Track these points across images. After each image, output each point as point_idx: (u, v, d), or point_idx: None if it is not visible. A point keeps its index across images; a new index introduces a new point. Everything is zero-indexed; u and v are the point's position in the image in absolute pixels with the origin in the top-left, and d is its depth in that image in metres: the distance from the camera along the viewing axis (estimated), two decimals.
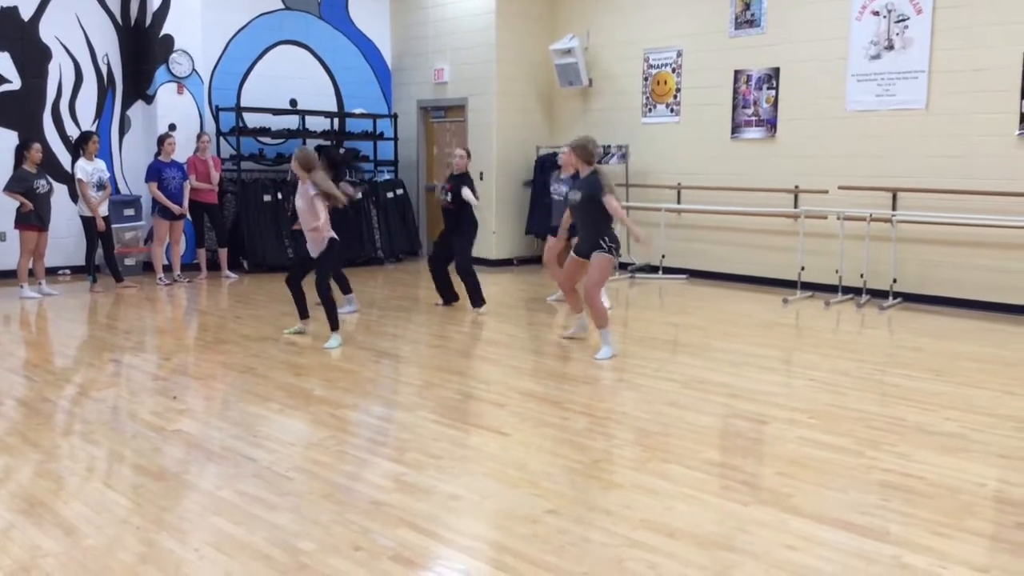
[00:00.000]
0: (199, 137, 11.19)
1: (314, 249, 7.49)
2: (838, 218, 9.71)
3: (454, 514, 3.93)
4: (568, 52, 12.24)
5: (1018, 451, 4.81)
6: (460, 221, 9.15)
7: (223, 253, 11.35)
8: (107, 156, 11.22)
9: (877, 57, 9.77)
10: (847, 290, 9.82)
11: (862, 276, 9.65)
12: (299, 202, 7.42)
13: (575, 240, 7.78)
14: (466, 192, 8.98)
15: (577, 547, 3.56)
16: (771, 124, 10.69)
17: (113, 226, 10.52)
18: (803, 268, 10.01)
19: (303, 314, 7.87)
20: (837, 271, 9.83)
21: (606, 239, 7.09)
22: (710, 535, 3.68)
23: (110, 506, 3.96)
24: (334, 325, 7.45)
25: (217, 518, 3.82)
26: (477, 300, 9.11)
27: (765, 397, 5.88)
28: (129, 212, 11.27)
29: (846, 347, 7.56)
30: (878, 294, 9.63)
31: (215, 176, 11.15)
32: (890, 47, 9.67)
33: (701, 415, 5.51)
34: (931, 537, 3.68)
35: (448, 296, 9.47)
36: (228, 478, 4.32)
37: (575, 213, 7.32)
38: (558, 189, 9.37)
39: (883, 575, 3.33)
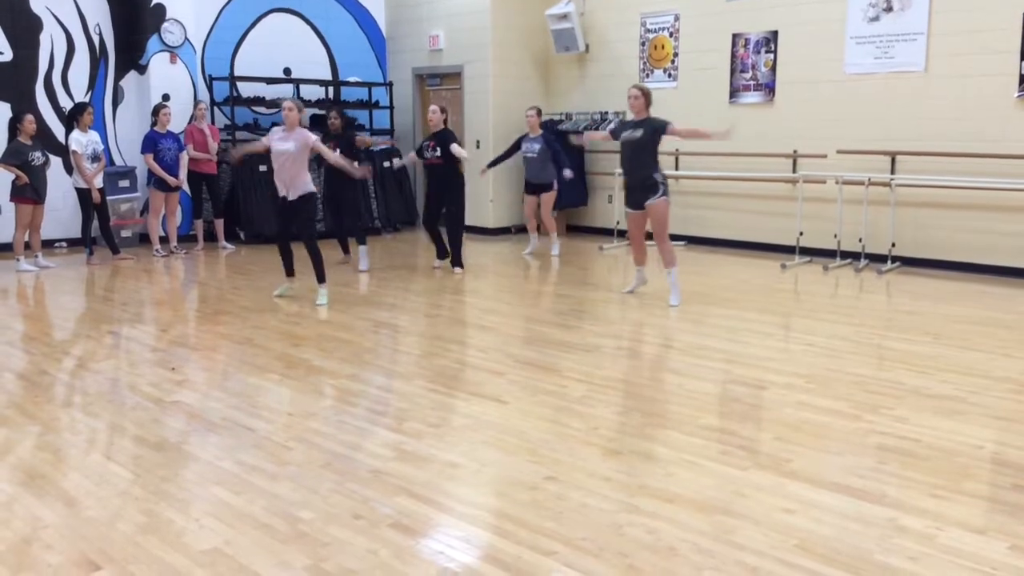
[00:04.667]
0: (195, 106, 11.11)
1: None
2: (836, 182, 9.68)
3: (453, 482, 3.94)
4: (564, 17, 12.14)
5: (1015, 413, 4.83)
6: (449, 179, 9.42)
7: (219, 224, 11.32)
8: (100, 127, 11.14)
9: (876, 19, 9.69)
10: (845, 255, 9.81)
11: (860, 240, 9.63)
12: (288, 146, 7.65)
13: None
14: (455, 147, 9.18)
15: (576, 513, 3.58)
16: (769, 88, 10.62)
17: (108, 198, 10.47)
18: (801, 233, 9.99)
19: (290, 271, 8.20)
20: (836, 236, 9.81)
21: (662, 178, 7.62)
22: (709, 500, 3.70)
23: (110, 477, 3.97)
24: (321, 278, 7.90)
25: (217, 488, 3.84)
26: (458, 259, 9.58)
27: (763, 362, 5.89)
28: (124, 184, 11.22)
29: (844, 312, 7.57)
30: (876, 258, 9.62)
31: (213, 146, 11.08)
32: (889, 9, 9.58)
33: (699, 381, 5.52)
34: (928, 499, 3.70)
35: (445, 253, 9.74)
36: (228, 448, 4.33)
37: (631, 155, 7.61)
38: (530, 147, 10.24)
39: (880, 537, 3.35)
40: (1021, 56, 8.72)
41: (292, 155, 7.54)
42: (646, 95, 7.61)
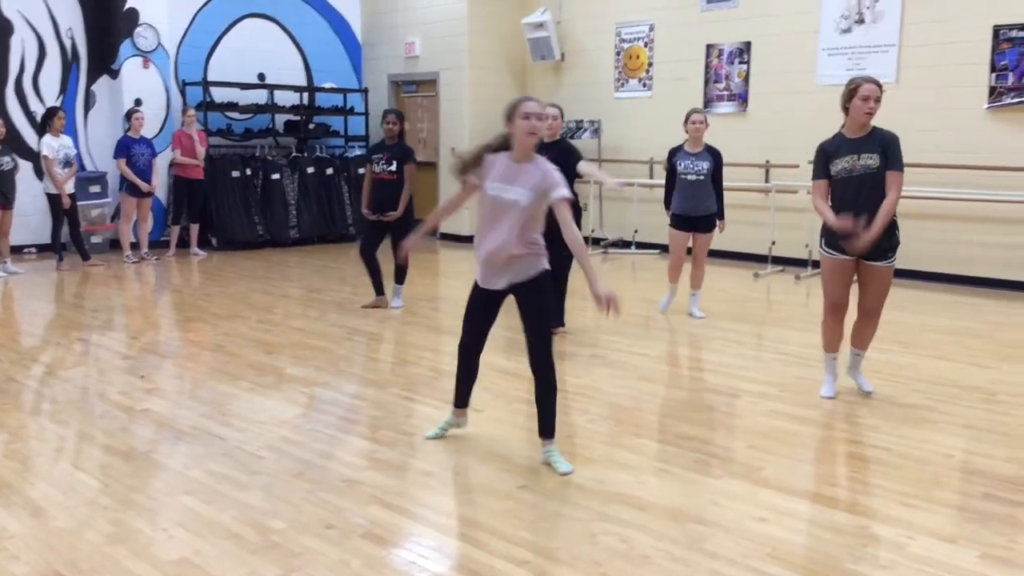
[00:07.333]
0: (184, 111, 11.08)
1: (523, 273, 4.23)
2: (808, 192, 9.72)
3: (426, 491, 3.92)
4: (540, 26, 12.17)
5: (984, 422, 4.87)
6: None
7: (194, 230, 11.23)
8: (72, 132, 11.01)
9: (848, 31, 9.79)
10: (817, 264, 9.87)
11: None
12: (515, 194, 4.07)
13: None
14: (585, 166, 5.97)
15: (549, 522, 3.57)
16: (742, 98, 10.70)
17: (79, 203, 10.36)
18: (774, 242, 10.05)
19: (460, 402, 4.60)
20: (807, 245, 9.88)
21: (898, 229, 5.04)
22: (682, 508, 3.70)
23: (78, 486, 3.92)
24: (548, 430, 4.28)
25: (186, 497, 3.79)
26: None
27: (736, 371, 5.92)
28: (95, 189, 11.10)
29: (816, 321, 7.60)
30: None
31: (200, 151, 11.02)
32: (861, 20, 9.68)
33: (673, 389, 5.53)
34: (899, 508, 3.72)
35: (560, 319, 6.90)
36: (197, 457, 4.28)
37: (864, 194, 4.88)
38: (693, 166, 7.32)
39: (851, 546, 3.37)
40: (991, 68, 8.84)
41: (523, 210, 4.06)
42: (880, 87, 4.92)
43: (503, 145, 4.17)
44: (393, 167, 7.56)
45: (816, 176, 5.15)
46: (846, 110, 5.00)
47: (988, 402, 5.24)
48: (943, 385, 5.56)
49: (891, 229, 4.98)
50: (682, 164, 7.33)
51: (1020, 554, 3.31)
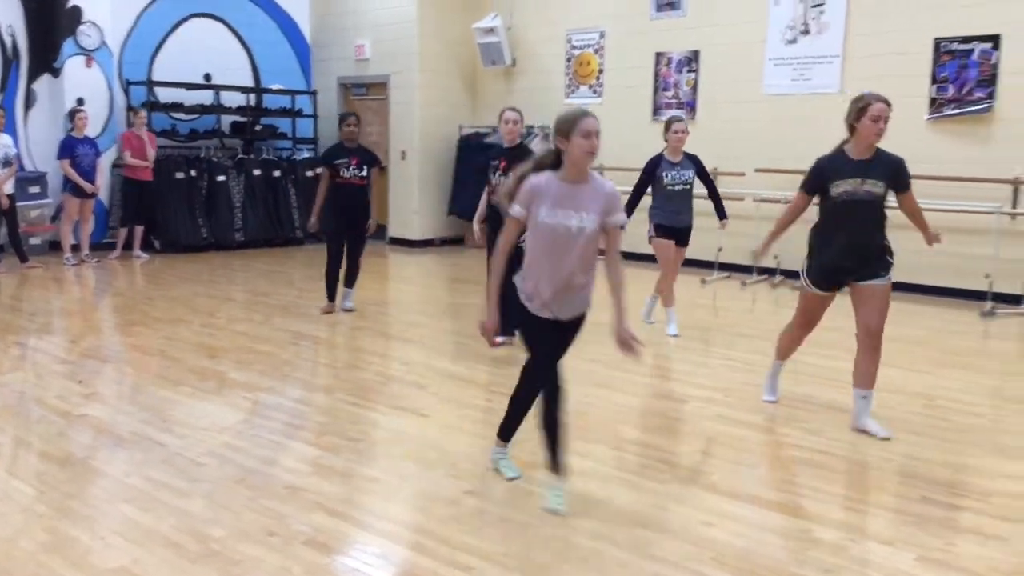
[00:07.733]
0: (135, 112, 10.87)
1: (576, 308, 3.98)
2: (754, 200, 9.87)
3: (371, 497, 3.88)
4: (491, 31, 12.18)
5: (923, 427, 4.96)
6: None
7: (138, 232, 11.01)
8: (12, 131, 10.74)
9: (793, 41, 9.94)
10: (762, 271, 10.00)
11: (776, 257, 9.83)
12: (581, 220, 3.83)
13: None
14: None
15: (496, 528, 3.55)
16: (690, 106, 10.81)
17: (18, 204, 10.10)
18: (720, 249, 10.16)
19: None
20: (753, 251, 9.99)
21: (891, 254, 4.91)
22: (628, 513, 3.70)
23: (13, 494, 3.81)
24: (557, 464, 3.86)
25: (125, 505, 3.71)
26: None
27: (684, 376, 5.96)
28: (35, 190, 10.83)
29: (761, 327, 7.70)
30: (792, 275, 9.80)
31: (151, 152, 10.82)
32: (806, 31, 9.84)
33: (622, 395, 5.55)
34: (841, 511, 3.77)
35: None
36: (137, 464, 4.19)
37: (865, 221, 4.79)
38: (679, 175, 7.09)
39: (795, 549, 3.40)
40: (932, 80, 9.03)
41: (590, 236, 3.85)
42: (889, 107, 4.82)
43: (543, 164, 3.89)
44: (364, 171, 7.45)
45: (803, 188, 4.98)
46: (851, 128, 4.77)
47: (928, 407, 5.34)
48: (886, 391, 5.64)
49: (882, 254, 4.84)
50: (668, 175, 7.03)
51: (956, 556, 3.37)
